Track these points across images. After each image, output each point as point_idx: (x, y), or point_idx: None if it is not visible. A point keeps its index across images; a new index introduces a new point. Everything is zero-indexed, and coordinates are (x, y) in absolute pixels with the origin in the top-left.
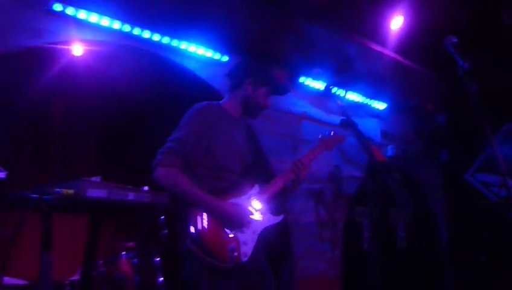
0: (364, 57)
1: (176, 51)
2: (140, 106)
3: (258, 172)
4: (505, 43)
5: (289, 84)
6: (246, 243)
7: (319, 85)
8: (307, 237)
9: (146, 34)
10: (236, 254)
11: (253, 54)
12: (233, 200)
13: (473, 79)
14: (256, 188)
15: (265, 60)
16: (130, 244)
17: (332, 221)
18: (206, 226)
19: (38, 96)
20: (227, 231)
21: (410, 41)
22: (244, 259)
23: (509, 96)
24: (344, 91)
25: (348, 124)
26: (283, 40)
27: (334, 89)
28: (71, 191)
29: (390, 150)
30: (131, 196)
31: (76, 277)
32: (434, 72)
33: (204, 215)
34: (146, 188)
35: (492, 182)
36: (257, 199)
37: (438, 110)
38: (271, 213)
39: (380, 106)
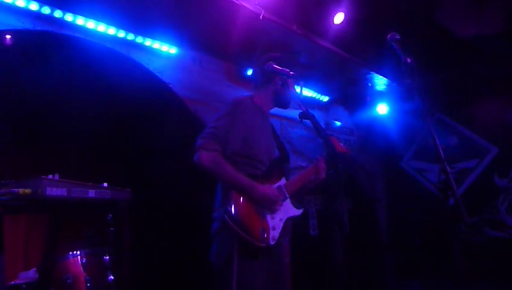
0: (309, 51)
1: (122, 42)
2: (85, 96)
3: (282, 167)
4: (437, 38)
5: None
6: (274, 228)
7: None
8: None
9: (90, 25)
10: (266, 235)
11: (202, 46)
12: (266, 186)
13: (413, 72)
14: (283, 181)
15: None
16: (77, 243)
17: None
18: (242, 205)
19: None
20: (260, 213)
21: (351, 35)
22: (272, 242)
23: (441, 88)
24: (299, 86)
25: (306, 116)
26: (230, 33)
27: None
28: (28, 191)
29: None
30: (91, 193)
31: (18, 281)
32: (375, 65)
33: (241, 197)
34: (105, 184)
35: (425, 168)
36: (284, 190)
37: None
38: (293, 206)
39: (322, 98)
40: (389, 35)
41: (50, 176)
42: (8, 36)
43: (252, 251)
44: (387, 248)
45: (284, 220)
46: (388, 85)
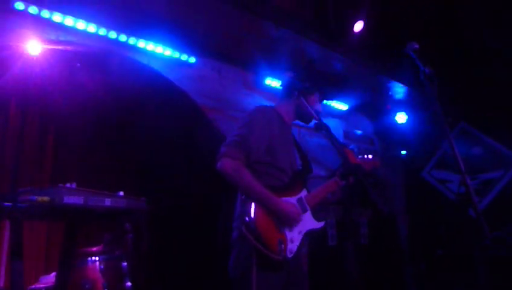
0: (327, 59)
1: (143, 52)
2: (105, 106)
3: (305, 179)
4: (461, 47)
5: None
6: (292, 241)
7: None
8: None
9: (112, 35)
10: (283, 247)
11: (220, 55)
12: (286, 199)
13: (433, 82)
14: (304, 192)
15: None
16: (96, 249)
17: None
18: (260, 217)
19: None
20: (278, 225)
21: (372, 44)
22: (290, 255)
23: (464, 97)
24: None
25: (321, 127)
26: (249, 42)
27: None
28: (46, 198)
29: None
30: (107, 201)
31: (38, 285)
32: (395, 73)
33: (259, 207)
34: (121, 193)
35: (448, 178)
36: (305, 202)
37: (398, 110)
38: (314, 218)
39: (342, 106)
40: (407, 45)
41: (68, 185)
42: None
43: (269, 264)
44: (408, 260)
45: (303, 233)
46: (408, 94)
